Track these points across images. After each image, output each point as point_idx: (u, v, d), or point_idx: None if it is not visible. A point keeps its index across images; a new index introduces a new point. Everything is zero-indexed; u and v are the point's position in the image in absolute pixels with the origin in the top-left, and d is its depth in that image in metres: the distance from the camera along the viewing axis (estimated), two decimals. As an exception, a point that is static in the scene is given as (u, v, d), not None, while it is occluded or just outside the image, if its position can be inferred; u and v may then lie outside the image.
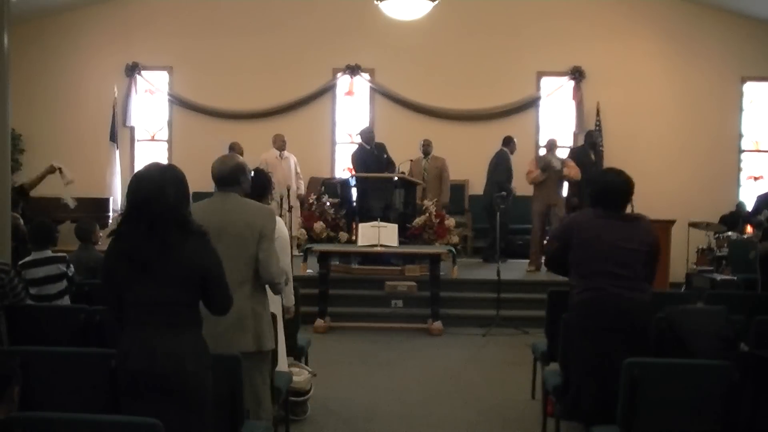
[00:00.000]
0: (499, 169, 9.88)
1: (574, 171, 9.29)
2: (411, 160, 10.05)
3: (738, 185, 11.66)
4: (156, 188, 2.78)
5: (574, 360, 3.95)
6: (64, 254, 5.12)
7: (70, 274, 5.03)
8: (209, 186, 3.74)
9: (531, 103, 11.76)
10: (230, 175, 3.62)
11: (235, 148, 10.20)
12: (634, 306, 3.81)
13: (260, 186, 4.11)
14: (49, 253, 5.00)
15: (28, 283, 4.75)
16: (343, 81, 11.88)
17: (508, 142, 10.10)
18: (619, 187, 3.92)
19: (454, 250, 8.28)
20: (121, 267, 2.79)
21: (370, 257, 8.54)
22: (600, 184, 3.99)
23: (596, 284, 3.80)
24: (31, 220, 5.75)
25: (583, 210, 3.97)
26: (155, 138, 12.10)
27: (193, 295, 2.83)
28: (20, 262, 4.92)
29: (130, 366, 2.75)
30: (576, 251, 3.88)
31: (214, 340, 3.34)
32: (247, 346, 3.50)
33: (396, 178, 9.02)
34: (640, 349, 3.63)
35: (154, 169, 2.89)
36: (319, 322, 7.66)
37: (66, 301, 4.95)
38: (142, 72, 11.81)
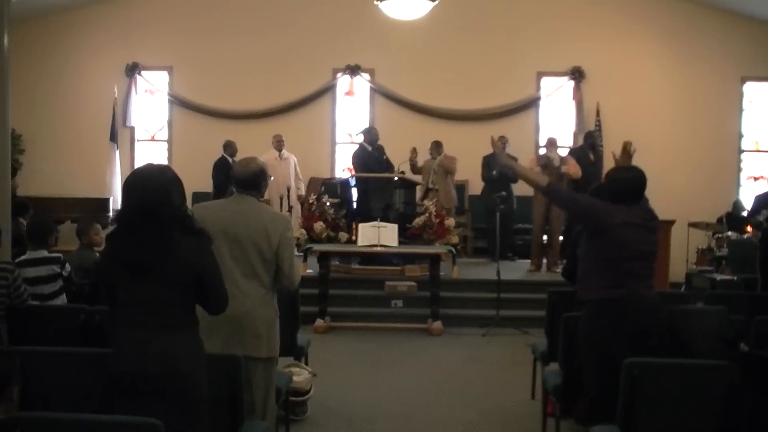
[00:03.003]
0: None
1: (573, 168, 9.28)
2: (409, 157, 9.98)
3: (738, 185, 11.67)
4: (161, 190, 2.74)
5: (595, 360, 3.81)
6: (59, 255, 5.08)
7: (65, 274, 4.98)
8: (209, 186, 3.75)
9: (531, 103, 11.76)
10: (252, 179, 3.59)
11: (230, 147, 10.20)
12: (656, 306, 3.82)
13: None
14: (45, 253, 4.95)
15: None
16: (343, 81, 11.88)
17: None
18: (638, 181, 3.88)
19: (454, 250, 8.27)
20: (118, 269, 2.75)
21: (370, 257, 8.54)
22: (621, 182, 3.90)
23: (623, 283, 3.75)
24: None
25: (615, 206, 3.86)
26: (155, 138, 12.10)
27: (188, 295, 2.81)
28: (17, 260, 4.90)
29: (122, 367, 2.73)
30: (605, 247, 3.80)
31: (226, 344, 3.35)
32: (259, 352, 3.50)
33: (396, 178, 9.03)
34: (659, 348, 3.63)
35: (152, 171, 2.84)
36: (319, 322, 7.66)
37: (60, 301, 4.92)
38: (142, 72, 11.80)
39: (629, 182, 3.88)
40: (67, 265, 5.04)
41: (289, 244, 3.57)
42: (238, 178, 3.62)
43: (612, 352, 3.62)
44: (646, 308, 3.76)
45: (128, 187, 2.80)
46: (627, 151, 4.36)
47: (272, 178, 9.28)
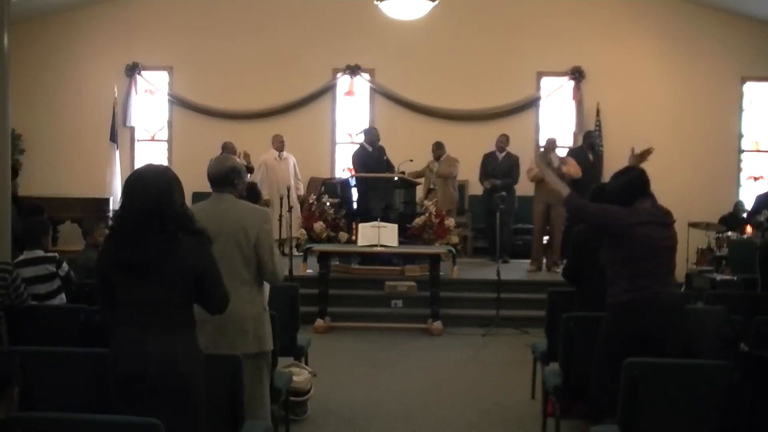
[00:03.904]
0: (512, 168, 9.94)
1: (573, 169, 9.26)
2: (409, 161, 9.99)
3: (738, 185, 11.66)
4: (164, 191, 2.75)
5: (617, 362, 3.66)
6: (55, 254, 5.09)
7: (62, 274, 4.98)
8: (208, 186, 3.74)
9: (531, 103, 11.76)
10: (225, 177, 3.61)
11: (228, 148, 10.19)
12: (677, 303, 3.81)
13: None
14: (40, 252, 4.95)
15: None
16: (343, 81, 11.88)
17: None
18: (638, 180, 3.89)
19: (454, 250, 8.27)
20: (118, 269, 2.75)
21: (370, 257, 8.54)
22: (621, 186, 3.90)
23: (646, 284, 3.72)
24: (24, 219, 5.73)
25: (630, 209, 3.85)
26: (155, 138, 12.09)
27: (187, 295, 2.81)
28: (14, 261, 4.90)
29: (121, 368, 2.73)
30: (627, 250, 3.77)
31: (215, 342, 3.35)
32: (248, 348, 3.51)
33: (396, 178, 9.03)
34: (685, 347, 3.62)
35: (154, 171, 2.84)
36: (319, 322, 7.65)
37: (58, 301, 4.92)
38: (142, 72, 11.80)
39: (627, 184, 3.88)
40: (64, 265, 5.03)
41: (268, 237, 3.57)
42: (211, 177, 3.63)
43: (633, 352, 3.59)
44: (667, 307, 3.72)
45: (130, 187, 2.80)
46: (644, 155, 4.37)
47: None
